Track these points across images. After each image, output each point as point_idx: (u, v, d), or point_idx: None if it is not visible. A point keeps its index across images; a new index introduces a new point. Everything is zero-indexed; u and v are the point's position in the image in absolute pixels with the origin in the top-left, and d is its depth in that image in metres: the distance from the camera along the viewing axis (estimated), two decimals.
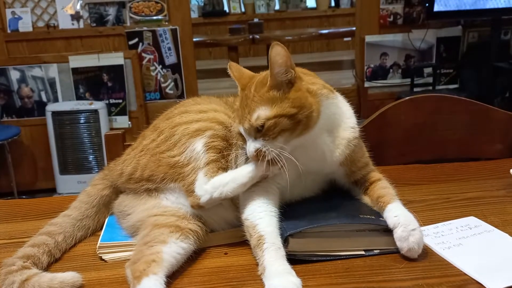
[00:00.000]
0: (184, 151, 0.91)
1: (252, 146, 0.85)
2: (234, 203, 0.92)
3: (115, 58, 3.58)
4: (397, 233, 0.82)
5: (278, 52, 0.82)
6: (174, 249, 0.81)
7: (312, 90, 0.87)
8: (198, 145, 0.90)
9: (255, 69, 0.94)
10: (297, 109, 0.83)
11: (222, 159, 0.92)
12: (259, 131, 0.84)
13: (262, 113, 0.83)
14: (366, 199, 0.94)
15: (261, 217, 0.85)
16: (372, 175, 0.97)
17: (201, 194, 0.87)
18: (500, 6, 3.43)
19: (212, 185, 0.86)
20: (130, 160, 0.98)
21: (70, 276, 0.77)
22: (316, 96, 0.87)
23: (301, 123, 0.84)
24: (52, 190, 3.61)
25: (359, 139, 0.96)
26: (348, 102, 0.98)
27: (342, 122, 0.92)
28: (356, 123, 0.96)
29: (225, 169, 0.91)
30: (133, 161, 0.97)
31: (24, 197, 3.55)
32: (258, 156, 0.84)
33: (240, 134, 0.89)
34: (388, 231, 0.85)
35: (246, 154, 0.88)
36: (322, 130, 0.89)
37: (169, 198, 0.93)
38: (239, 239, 0.90)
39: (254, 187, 0.90)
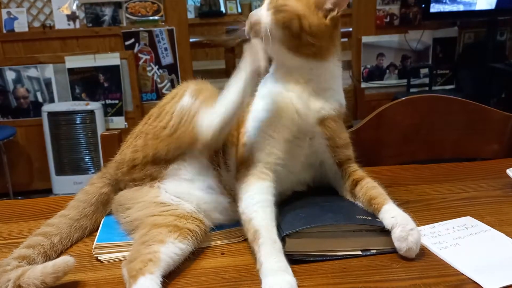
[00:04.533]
0: (173, 113, 0.92)
1: (257, 11, 0.88)
2: (232, 196, 0.92)
3: (111, 59, 3.57)
4: (396, 234, 0.82)
5: None
6: (171, 249, 0.81)
7: (335, 43, 0.93)
8: (185, 98, 0.92)
9: None
10: (309, 30, 0.86)
11: (216, 95, 0.90)
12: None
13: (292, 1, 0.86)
14: (357, 201, 0.94)
15: (256, 210, 0.84)
16: (354, 168, 0.98)
17: (204, 128, 0.85)
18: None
19: (211, 115, 0.85)
20: (127, 147, 0.98)
21: (61, 259, 0.77)
22: (331, 47, 0.92)
23: (299, 40, 0.87)
24: (48, 191, 3.60)
25: (342, 117, 0.98)
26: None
27: (335, 90, 0.95)
28: (344, 104, 0.97)
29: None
30: (130, 147, 0.97)
31: (19, 197, 3.54)
32: (252, 27, 0.87)
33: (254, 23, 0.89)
34: (384, 231, 0.85)
35: None
36: (313, 78, 0.91)
37: (169, 189, 0.93)
38: (236, 240, 0.90)
39: (246, 178, 0.89)
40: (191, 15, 6.03)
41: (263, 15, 0.87)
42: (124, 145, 1.02)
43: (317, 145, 0.96)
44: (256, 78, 0.85)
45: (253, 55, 0.82)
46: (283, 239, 0.82)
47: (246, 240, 0.85)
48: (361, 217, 0.87)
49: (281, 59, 0.91)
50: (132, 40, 3.61)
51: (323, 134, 0.94)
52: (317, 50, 0.89)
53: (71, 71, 3.57)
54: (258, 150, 0.92)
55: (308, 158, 0.97)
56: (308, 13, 0.86)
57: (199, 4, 6.51)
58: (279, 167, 0.92)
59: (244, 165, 0.92)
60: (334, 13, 0.88)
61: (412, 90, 3.78)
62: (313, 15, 0.87)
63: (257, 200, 0.86)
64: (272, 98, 0.91)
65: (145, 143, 0.94)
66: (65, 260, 0.76)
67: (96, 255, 0.87)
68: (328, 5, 0.88)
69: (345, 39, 5.96)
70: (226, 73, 5.55)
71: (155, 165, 0.93)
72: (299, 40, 0.87)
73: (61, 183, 3.53)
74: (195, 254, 0.86)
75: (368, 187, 0.93)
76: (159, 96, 3.72)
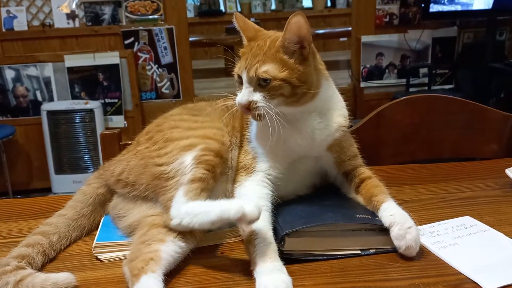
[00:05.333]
0: (172, 162, 0.88)
1: (246, 95, 0.85)
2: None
3: (111, 58, 3.57)
4: (394, 232, 0.82)
5: (297, 21, 0.84)
6: (171, 248, 0.81)
7: (319, 69, 0.91)
8: (188, 158, 0.87)
9: None
10: (300, 83, 0.86)
11: (211, 179, 0.87)
12: (261, 86, 0.85)
13: (271, 69, 0.84)
14: (359, 198, 0.95)
15: None
16: (362, 171, 0.98)
17: (173, 215, 0.82)
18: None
19: (186, 211, 0.81)
20: (122, 161, 0.98)
21: (64, 277, 0.77)
22: (319, 76, 0.91)
23: (297, 95, 0.86)
24: (47, 190, 3.59)
25: (348, 131, 0.98)
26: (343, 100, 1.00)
27: (335, 107, 0.95)
28: (347, 114, 0.97)
29: (211, 191, 0.87)
30: (124, 162, 0.97)
31: (19, 196, 3.54)
32: (248, 108, 0.85)
33: (238, 80, 0.89)
34: (383, 230, 0.85)
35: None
36: (314, 110, 0.91)
37: None
38: (235, 239, 0.90)
39: (246, 182, 0.90)
40: (190, 14, 6.02)
41: (252, 98, 0.85)
42: (123, 154, 1.01)
43: (323, 162, 0.98)
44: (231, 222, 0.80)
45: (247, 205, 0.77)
46: (282, 238, 0.82)
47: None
48: (361, 216, 0.87)
49: (284, 114, 0.87)
50: (132, 39, 3.60)
51: (330, 155, 0.96)
52: (314, 92, 0.89)
53: (70, 70, 3.56)
54: (261, 161, 0.93)
55: (313, 171, 0.98)
56: (290, 72, 0.84)
57: (198, 3, 6.50)
58: (279, 179, 0.93)
59: (245, 170, 0.93)
60: (305, 50, 0.86)
61: (411, 89, 3.78)
62: (293, 67, 0.85)
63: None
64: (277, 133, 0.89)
65: (133, 167, 0.93)
66: (68, 278, 0.77)
67: (96, 254, 0.87)
68: (295, 47, 0.85)
69: (345, 39, 5.98)
70: (226, 72, 5.55)
71: (135, 191, 0.92)
72: (296, 95, 0.86)
73: (60, 182, 3.53)
74: (194, 253, 0.86)
75: (371, 185, 0.94)
76: (159, 95, 3.72)
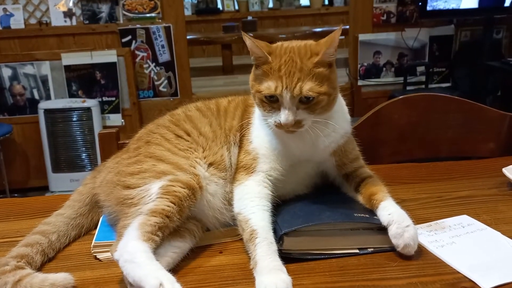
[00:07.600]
0: (140, 186, 0.86)
1: (292, 116, 0.84)
2: (229, 203, 0.92)
3: (108, 56, 3.56)
4: (392, 231, 0.83)
5: (339, 35, 0.84)
6: (169, 248, 0.81)
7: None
8: (155, 186, 0.84)
9: (250, 67, 0.94)
10: (333, 90, 0.87)
11: (177, 214, 0.82)
12: (302, 102, 0.84)
13: (314, 86, 0.84)
14: (358, 197, 0.95)
15: (254, 211, 0.86)
16: (363, 171, 0.99)
17: (119, 248, 0.78)
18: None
19: (128, 250, 0.75)
20: (105, 170, 0.98)
21: (62, 277, 0.77)
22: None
23: (330, 104, 0.88)
24: (45, 188, 3.58)
25: (351, 134, 0.99)
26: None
27: (339, 113, 0.95)
28: (349, 119, 0.98)
29: (171, 229, 0.82)
30: (104, 173, 0.97)
31: (16, 195, 3.53)
32: (294, 126, 0.85)
33: (269, 99, 0.86)
34: (382, 229, 0.85)
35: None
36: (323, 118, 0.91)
37: None
38: (234, 238, 0.90)
39: (247, 181, 0.91)
40: (188, 12, 6.01)
41: (297, 117, 0.84)
42: (115, 156, 1.01)
43: (325, 166, 0.98)
44: None
45: None
46: (281, 238, 0.82)
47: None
48: (359, 215, 0.88)
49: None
50: (129, 37, 3.60)
51: (332, 159, 0.96)
52: (337, 94, 0.90)
53: (67, 68, 3.55)
54: (262, 162, 0.93)
55: (313, 173, 0.99)
56: (327, 83, 0.85)
57: (196, 1, 6.49)
58: (279, 180, 0.93)
59: (245, 170, 0.93)
60: (332, 57, 0.87)
61: (408, 88, 3.79)
62: (328, 78, 0.85)
63: (256, 203, 0.87)
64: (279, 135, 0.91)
65: (106, 184, 0.93)
66: (66, 279, 0.77)
67: (94, 254, 0.88)
68: (327, 58, 0.85)
69: (342, 37, 5.98)
70: (223, 70, 5.54)
71: (105, 207, 0.93)
72: (330, 104, 0.88)
73: (57, 181, 3.52)
74: (193, 253, 0.86)
75: (371, 184, 0.94)
76: (156, 93, 3.72)
